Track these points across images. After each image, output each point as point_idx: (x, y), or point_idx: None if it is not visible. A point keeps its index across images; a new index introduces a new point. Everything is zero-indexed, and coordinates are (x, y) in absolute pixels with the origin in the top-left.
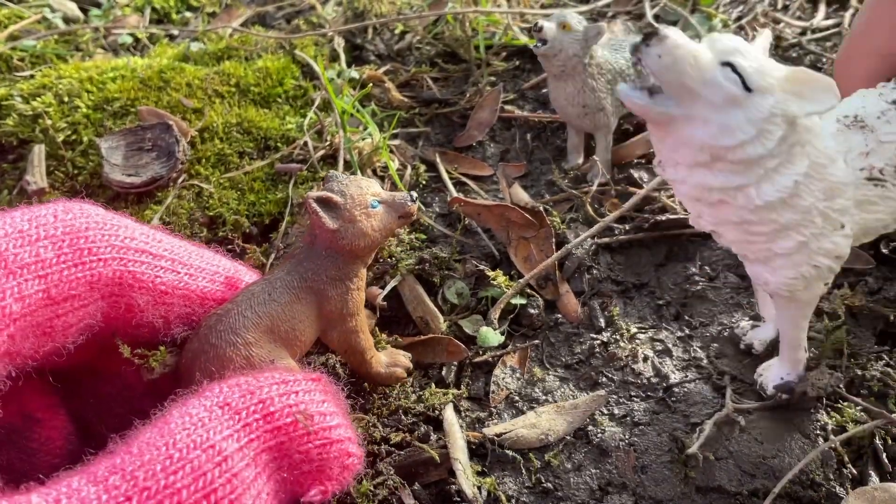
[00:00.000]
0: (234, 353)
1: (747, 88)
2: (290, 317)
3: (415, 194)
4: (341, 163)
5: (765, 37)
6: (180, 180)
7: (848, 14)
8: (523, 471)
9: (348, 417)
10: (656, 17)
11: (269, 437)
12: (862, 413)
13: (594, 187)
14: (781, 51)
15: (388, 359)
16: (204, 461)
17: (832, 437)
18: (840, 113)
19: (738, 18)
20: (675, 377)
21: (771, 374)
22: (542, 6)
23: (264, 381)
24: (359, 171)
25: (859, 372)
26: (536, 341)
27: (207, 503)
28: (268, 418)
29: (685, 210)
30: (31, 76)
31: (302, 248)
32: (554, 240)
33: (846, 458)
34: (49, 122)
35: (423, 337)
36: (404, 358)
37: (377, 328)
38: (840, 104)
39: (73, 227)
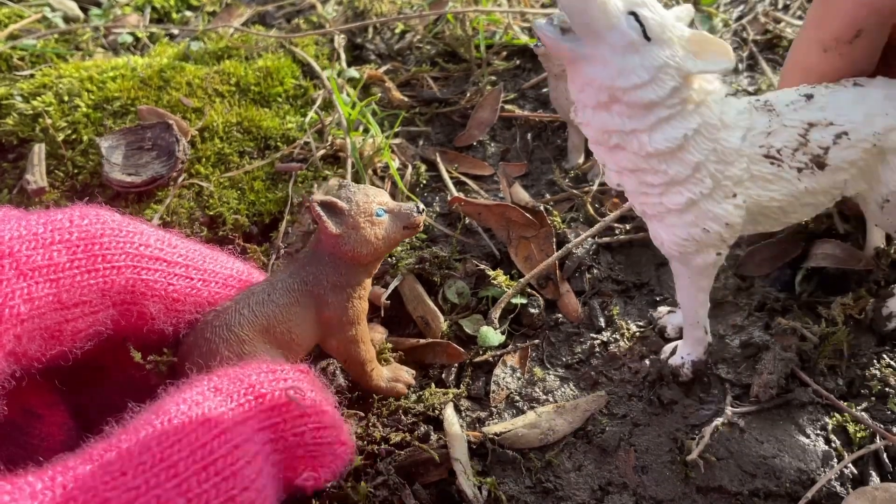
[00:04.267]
0: (227, 349)
1: (647, 37)
2: (287, 319)
3: (422, 206)
4: (349, 165)
5: (685, 9)
6: (180, 179)
7: None
8: (524, 470)
9: (337, 410)
10: None
11: (264, 416)
12: (863, 413)
13: (595, 187)
14: (783, 50)
15: (391, 373)
16: (202, 434)
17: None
18: (755, 97)
19: (739, 18)
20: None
21: (674, 353)
22: (543, 6)
23: (252, 370)
24: (361, 171)
25: (859, 372)
26: (537, 341)
27: (207, 475)
28: (259, 400)
29: None
30: (32, 75)
31: (307, 252)
32: (554, 239)
33: (846, 458)
34: (49, 121)
35: (422, 341)
36: (407, 374)
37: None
38: (765, 94)
39: (89, 233)
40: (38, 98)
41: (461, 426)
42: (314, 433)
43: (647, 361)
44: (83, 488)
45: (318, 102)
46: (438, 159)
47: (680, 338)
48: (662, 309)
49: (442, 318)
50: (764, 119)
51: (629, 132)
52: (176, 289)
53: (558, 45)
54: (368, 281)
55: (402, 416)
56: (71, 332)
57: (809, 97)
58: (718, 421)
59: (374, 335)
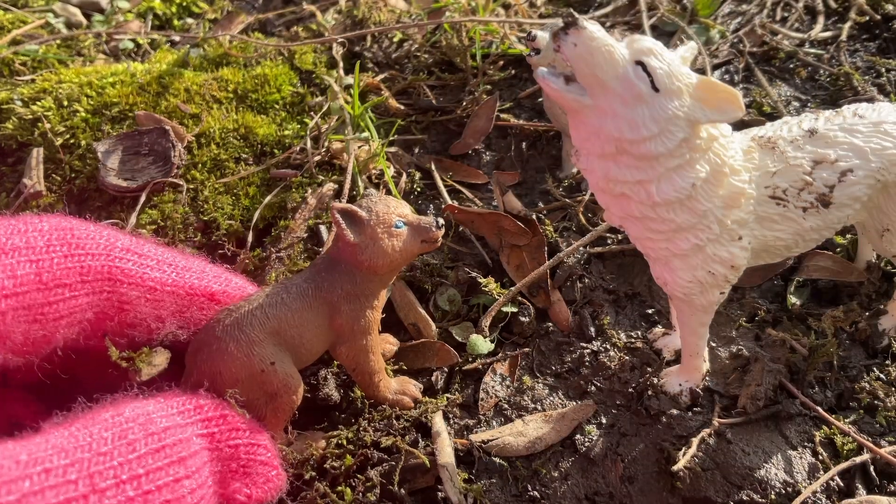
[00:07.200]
0: (236, 348)
1: (655, 88)
2: (299, 323)
3: (441, 220)
4: (350, 169)
5: (689, 48)
6: (176, 185)
7: (846, 26)
8: (510, 479)
9: (272, 441)
10: (653, 28)
11: (202, 425)
12: (850, 426)
13: (588, 196)
14: (779, 62)
15: (399, 386)
16: (142, 430)
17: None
18: (757, 133)
19: (737, 30)
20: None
21: (670, 380)
22: (541, 16)
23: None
24: (358, 177)
25: (849, 384)
26: (527, 349)
27: (154, 460)
28: (198, 410)
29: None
30: (32, 80)
31: (325, 259)
32: (546, 248)
33: (832, 469)
34: (48, 125)
35: (414, 342)
36: (414, 388)
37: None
38: (765, 126)
39: (61, 225)
40: (38, 103)
41: (449, 433)
42: (248, 449)
43: (636, 373)
44: None
45: (324, 109)
46: (433, 167)
47: (676, 360)
48: (658, 330)
49: (433, 325)
50: (769, 158)
51: (636, 182)
52: (151, 277)
53: (562, 96)
54: (384, 292)
55: (394, 422)
56: (54, 316)
57: (813, 132)
58: (705, 432)
59: (385, 346)
